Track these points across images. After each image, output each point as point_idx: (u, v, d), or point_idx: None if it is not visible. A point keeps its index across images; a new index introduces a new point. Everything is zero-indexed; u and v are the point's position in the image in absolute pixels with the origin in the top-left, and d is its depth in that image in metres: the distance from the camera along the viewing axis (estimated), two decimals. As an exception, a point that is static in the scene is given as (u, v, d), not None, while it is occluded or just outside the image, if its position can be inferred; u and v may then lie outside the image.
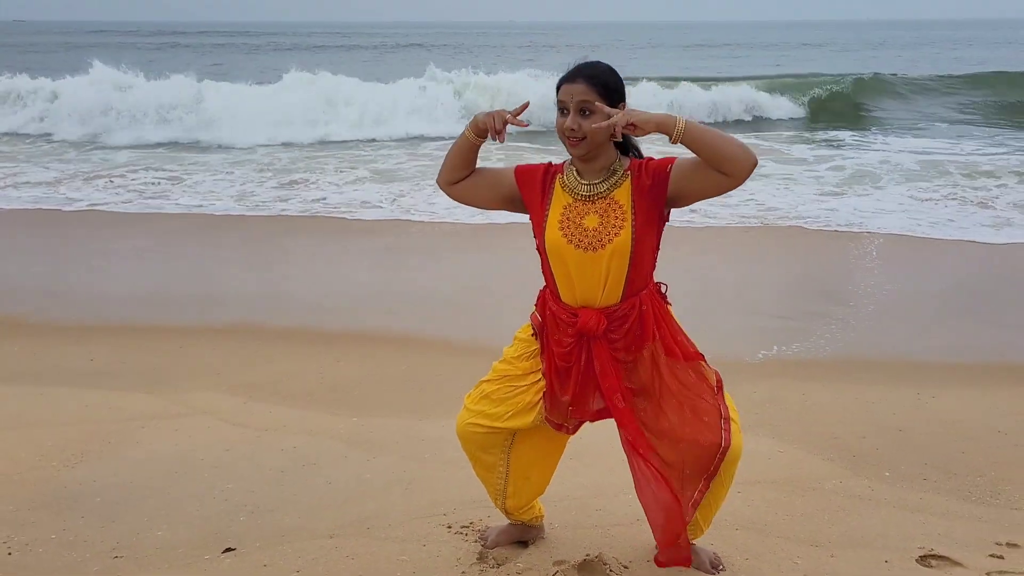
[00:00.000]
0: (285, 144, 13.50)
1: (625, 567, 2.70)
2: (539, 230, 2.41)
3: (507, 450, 2.59)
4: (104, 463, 3.50)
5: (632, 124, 2.20)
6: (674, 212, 2.43)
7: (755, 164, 2.20)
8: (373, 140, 14.36)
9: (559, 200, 2.39)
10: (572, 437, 2.66)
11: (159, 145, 13.83)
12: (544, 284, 2.52)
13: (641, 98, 17.85)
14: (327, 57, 40.50)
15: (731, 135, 2.24)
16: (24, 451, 3.59)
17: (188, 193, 9.88)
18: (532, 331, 2.53)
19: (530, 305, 2.59)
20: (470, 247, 7.19)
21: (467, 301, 5.91)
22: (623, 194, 2.34)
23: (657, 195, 2.32)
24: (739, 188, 2.31)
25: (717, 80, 19.88)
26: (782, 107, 18.29)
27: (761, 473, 3.36)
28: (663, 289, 2.48)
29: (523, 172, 2.47)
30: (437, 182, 2.53)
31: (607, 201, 2.34)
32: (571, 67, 2.34)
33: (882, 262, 6.85)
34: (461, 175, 2.47)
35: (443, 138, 14.54)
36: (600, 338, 2.39)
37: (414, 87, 16.97)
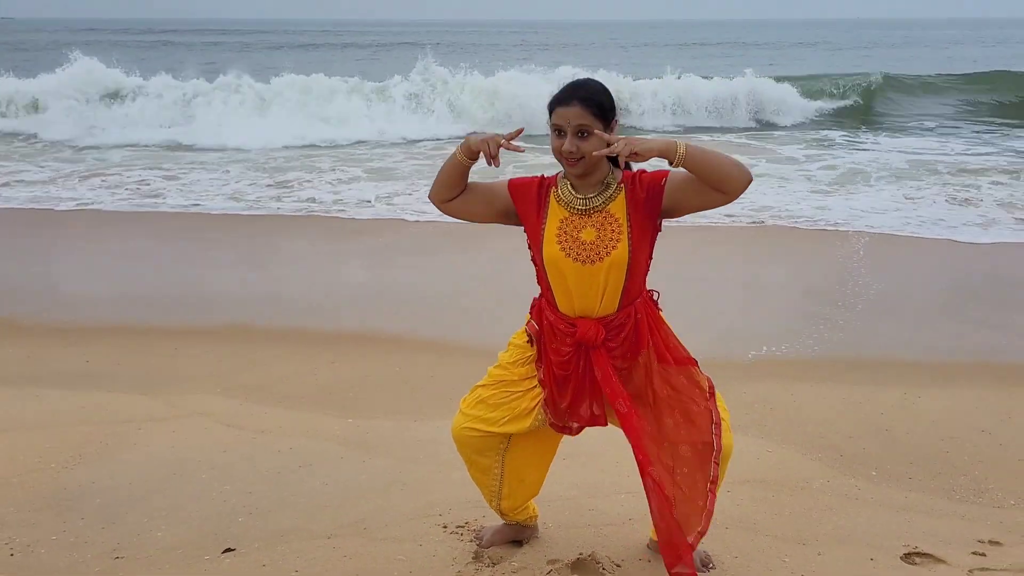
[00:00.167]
0: (282, 146, 13.47)
1: (618, 565, 2.77)
2: (536, 244, 2.45)
3: (502, 453, 2.63)
4: (102, 465, 3.54)
5: (634, 152, 2.24)
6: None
7: (750, 181, 2.29)
8: (363, 142, 14.33)
9: (555, 214, 2.43)
10: (565, 438, 2.71)
11: (153, 145, 13.80)
12: (539, 292, 2.57)
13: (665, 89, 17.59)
14: (320, 56, 40.45)
15: (727, 154, 2.31)
16: (22, 453, 3.63)
17: (183, 192, 9.88)
18: (527, 337, 2.57)
19: (524, 306, 2.63)
20: (465, 248, 7.23)
21: (462, 302, 5.96)
22: (618, 207, 2.40)
23: (652, 208, 2.38)
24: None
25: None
26: (807, 108, 18.00)
27: (750, 473, 3.43)
28: (655, 296, 2.54)
29: (517, 186, 2.50)
30: (430, 198, 2.54)
31: (603, 215, 2.39)
32: (563, 87, 2.37)
33: (871, 261, 6.92)
34: (453, 194, 2.49)
35: (439, 139, 14.58)
36: (599, 347, 2.44)
37: (410, 87, 16.97)
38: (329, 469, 3.51)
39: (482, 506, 2.95)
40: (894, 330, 5.38)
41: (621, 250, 2.37)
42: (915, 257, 7.20)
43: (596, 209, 2.40)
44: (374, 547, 2.89)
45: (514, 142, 2.38)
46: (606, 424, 2.57)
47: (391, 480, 3.41)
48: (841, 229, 7.97)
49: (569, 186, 2.44)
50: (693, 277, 6.31)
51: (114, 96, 16.35)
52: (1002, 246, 7.47)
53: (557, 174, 2.50)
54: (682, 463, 2.44)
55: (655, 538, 2.78)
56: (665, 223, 2.46)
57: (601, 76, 17.45)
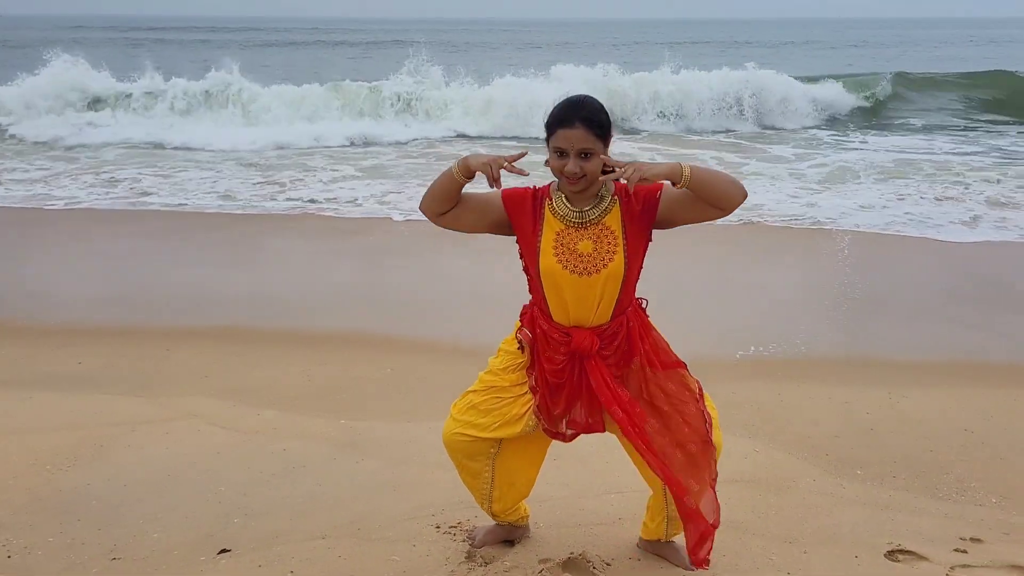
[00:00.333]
0: (274, 146, 13.45)
1: (608, 564, 2.82)
2: (531, 255, 2.48)
3: (492, 458, 2.67)
4: (97, 467, 3.57)
5: (643, 178, 2.29)
6: None
7: (745, 197, 2.37)
8: (354, 144, 14.31)
9: (551, 226, 2.46)
10: (554, 441, 2.76)
11: (144, 144, 13.77)
12: (531, 299, 2.60)
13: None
14: (312, 54, 40.32)
15: (726, 173, 2.39)
16: (17, 456, 3.65)
17: (175, 192, 9.87)
18: (518, 344, 2.61)
19: (517, 307, 2.67)
20: (457, 248, 7.26)
21: (454, 303, 5.99)
22: (614, 219, 2.45)
23: (646, 220, 2.45)
24: None
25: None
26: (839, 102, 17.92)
27: (738, 472, 3.49)
28: (643, 304, 2.59)
29: (511, 197, 2.51)
30: (421, 210, 2.53)
31: (599, 227, 2.44)
32: (561, 107, 2.38)
33: (858, 261, 7.00)
34: (446, 208, 2.49)
35: (429, 138, 14.60)
36: (593, 356, 2.49)
37: (400, 88, 16.96)
38: (322, 470, 3.55)
39: (474, 507, 2.99)
40: (880, 330, 5.46)
41: (618, 262, 2.42)
42: (901, 256, 7.27)
43: (592, 222, 2.44)
44: (368, 548, 2.93)
45: (516, 164, 2.39)
46: (603, 430, 2.63)
47: (384, 481, 3.45)
48: (828, 228, 8.06)
49: (564, 199, 2.47)
50: (681, 277, 6.36)
51: (98, 101, 16.27)
52: (987, 245, 7.57)
53: (549, 185, 2.53)
54: (679, 460, 2.52)
55: (644, 537, 2.85)
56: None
57: (611, 72, 17.42)
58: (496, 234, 2.57)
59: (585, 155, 2.35)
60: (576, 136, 2.32)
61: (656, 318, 2.64)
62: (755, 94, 17.11)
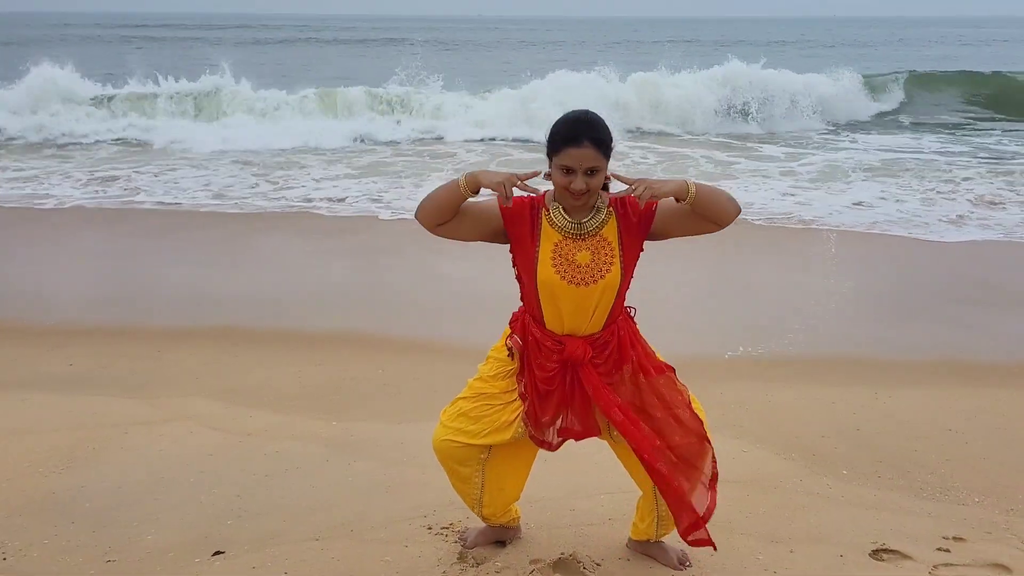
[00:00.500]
0: (268, 147, 13.42)
1: (598, 564, 2.86)
2: (528, 266, 2.51)
3: (482, 463, 2.71)
4: (91, 469, 3.59)
5: (653, 196, 2.35)
6: None
7: (739, 214, 2.45)
8: (346, 146, 14.29)
9: (548, 237, 2.49)
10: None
11: (137, 143, 13.74)
12: (520, 306, 2.64)
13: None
14: (308, 52, 40.19)
15: (723, 189, 2.45)
16: (10, 457, 3.66)
17: (170, 191, 9.86)
18: (508, 351, 2.64)
19: (507, 309, 2.70)
20: (451, 249, 7.27)
21: (447, 303, 6.02)
22: (611, 231, 2.49)
23: (642, 232, 2.50)
24: None
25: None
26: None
27: (726, 472, 3.49)
28: (632, 312, 2.65)
29: (509, 208, 2.51)
30: (418, 220, 2.50)
31: (597, 239, 2.49)
32: (567, 125, 2.39)
33: (845, 260, 7.07)
34: (445, 219, 2.49)
35: (423, 139, 14.59)
36: (585, 364, 2.53)
37: (396, 89, 16.95)
38: (315, 472, 3.58)
39: (466, 508, 3.03)
40: (866, 330, 5.52)
41: (615, 272, 2.48)
42: (887, 256, 7.34)
43: (590, 233, 2.49)
44: (362, 549, 2.97)
45: (529, 182, 2.42)
46: (599, 434, 2.67)
47: (377, 482, 3.49)
48: (815, 228, 8.12)
49: (562, 210, 2.50)
50: (670, 277, 6.40)
51: (100, 94, 16.22)
52: (973, 244, 7.65)
53: (544, 195, 2.55)
54: (677, 462, 2.59)
55: (634, 537, 2.90)
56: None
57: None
58: (491, 243, 2.59)
59: (591, 172, 2.39)
60: (585, 155, 2.37)
61: (645, 319, 2.69)
62: (749, 93, 17.12)
